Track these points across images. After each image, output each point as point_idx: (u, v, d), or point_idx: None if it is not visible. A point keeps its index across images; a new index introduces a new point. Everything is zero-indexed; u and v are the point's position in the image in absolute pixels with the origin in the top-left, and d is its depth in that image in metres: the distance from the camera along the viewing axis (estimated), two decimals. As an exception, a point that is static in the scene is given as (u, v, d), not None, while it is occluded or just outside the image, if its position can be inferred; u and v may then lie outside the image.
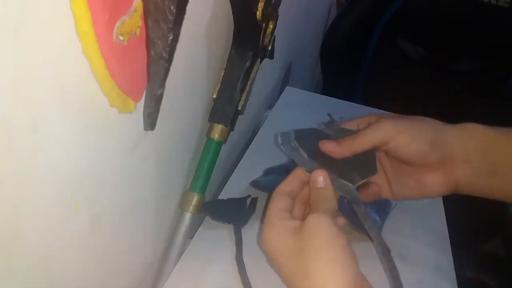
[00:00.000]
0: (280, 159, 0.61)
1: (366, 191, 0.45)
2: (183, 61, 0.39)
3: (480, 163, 0.41)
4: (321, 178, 0.39)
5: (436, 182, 0.42)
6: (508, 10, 1.23)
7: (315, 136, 0.43)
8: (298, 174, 0.41)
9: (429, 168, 0.42)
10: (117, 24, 0.25)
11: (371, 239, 0.43)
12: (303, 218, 0.37)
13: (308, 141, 0.42)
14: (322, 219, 0.35)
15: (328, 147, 0.41)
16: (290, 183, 0.40)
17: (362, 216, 0.40)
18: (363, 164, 0.42)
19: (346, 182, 0.40)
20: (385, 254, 0.41)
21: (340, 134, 0.44)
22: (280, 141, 0.43)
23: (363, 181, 0.40)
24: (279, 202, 0.39)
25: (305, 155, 0.41)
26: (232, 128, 0.50)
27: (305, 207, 0.41)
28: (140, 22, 0.27)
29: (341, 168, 0.41)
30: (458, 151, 0.41)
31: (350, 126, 0.46)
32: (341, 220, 0.40)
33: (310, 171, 0.40)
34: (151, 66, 0.28)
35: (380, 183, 0.45)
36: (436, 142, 0.40)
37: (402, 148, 0.41)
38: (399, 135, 0.40)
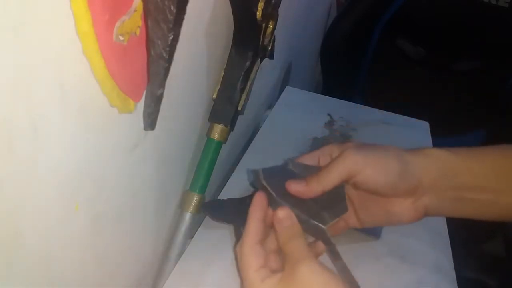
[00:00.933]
0: (280, 160, 0.61)
1: (333, 227, 0.44)
2: (183, 61, 0.39)
3: (447, 189, 0.41)
4: (286, 216, 0.38)
5: (405, 211, 0.42)
6: (508, 10, 1.23)
7: (283, 175, 0.42)
8: (257, 216, 0.39)
9: (397, 198, 0.42)
10: (117, 24, 0.25)
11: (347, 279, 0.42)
12: (279, 266, 0.37)
13: (276, 180, 0.41)
14: (313, 269, 0.34)
15: (296, 188, 0.40)
16: (257, 230, 0.38)
17: (334, 256, 0.39)
18: (333, 202, 0.41)
19: (317, 223, 0.39)
20: None
21: (304, 172, 0.43)
22: (250, 179, 0.42)
23: (334, 221, 0.40)
24: (254, 259, 0.36)
25: (274, 195, 0.40)
26: (232, 128, 0.50)
27: (276, 253, 0.39)
28: (140, 22, 0.27)
29: (310, 208, 0.40)
30: (425, 180, 0.41)
31: (310, 160, 0.44)
32: (320, 247, 0.39)
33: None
34: (151, 66, 0.28)
35: (347, 215, 0.44)
36: (402, 172, 0.40)
37: (370, 181, 0.40)
38: (366, 167, 0.40)
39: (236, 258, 0.39)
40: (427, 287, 0.47)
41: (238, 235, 0.47)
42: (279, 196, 0.40)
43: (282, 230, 0.38)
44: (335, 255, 0.40)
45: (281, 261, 0.38)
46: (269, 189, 0.40)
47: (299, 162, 0.45)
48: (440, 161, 0.41)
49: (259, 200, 0.39)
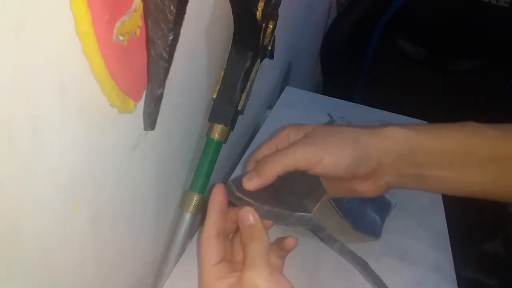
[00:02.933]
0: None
1: None
2: (183, 61, 0.39)
3: (407, 167, 0.41)
4: (249, 215, 0.37)
5: (368, 188, 0.42)
6: (508, 10, 1.23)
7: None
8: (215, 209, 0.38)
9: (358, 179, 0.42)
10: (117, 24, 0.25)
11: (352, 260, 0.42)
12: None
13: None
14: (257, 281, 0.33)
15: (251, 184, 0.39)
16: (214, 223, 0.37)
17: (329, 240, 0.39)
18: (310, 188, 0.41)
19: (302, 213, 0.39)
20: (365, 268, 0.41)
21: (297, 173, 0.41)
22: (227, 195, 0.40)
23: (317, 205, 0.39)
24: (210, 253, 0.35)
25: (253, 202, 0.39)
26: (232, 128, 0.50)
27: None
28: (140, 22, 0.27)
29: (292, 202, 0.39)
30: (384, 161, 0.40)
31: (268, 149, 0.43)
32: (290, 243, 0.38)
33: (261, 216, 0.38)
34: (151, 66, 0.28)
35: None
36: (360, 158, 0.40)
37: (329, 170, 0.40)
38: (323, 158, 0.39)
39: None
40: (427, 287, 0.47)
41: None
42: (257, 201, 0.39)
43: (245, 229, 0.37)
44: (330, 239, 0.40)
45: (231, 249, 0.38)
46: (245, 198, 0.39)
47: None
48: (399, 141, 0.40)
49: (217, 193, 0.38)
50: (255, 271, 0.34)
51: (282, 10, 0.53)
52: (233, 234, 0.41)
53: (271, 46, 0.55)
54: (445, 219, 0.56)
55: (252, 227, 0.37)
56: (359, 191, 0.43)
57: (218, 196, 0.38)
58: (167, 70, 0.28)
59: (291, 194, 0.40)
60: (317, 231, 0.39)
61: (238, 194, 0.40)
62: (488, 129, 0.40)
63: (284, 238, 0.39)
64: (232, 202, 0.39)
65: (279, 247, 0.38)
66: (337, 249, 0.40)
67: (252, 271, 0.34)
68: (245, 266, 0.34)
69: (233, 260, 0.38)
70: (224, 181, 0.57)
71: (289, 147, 0.40)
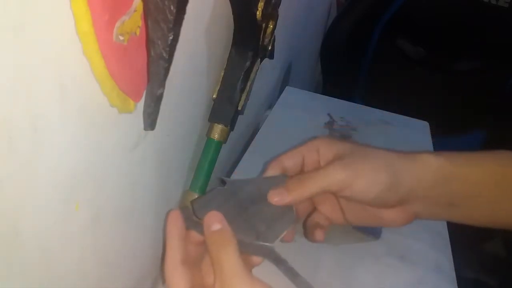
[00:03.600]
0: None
1: (311, 227, 0.42)
2: (183, 61, 0.39)
3: (439, 197, 0.40)
4: (215, 220, 0.34)
5: (395, 217, 0.41)
6: (508, 10, 1.23)
7: (222, 200, 0.39)
8: (175, 234, 0.35)
9: (386, 207, 0.41)
10: (117, 24, 0.25)
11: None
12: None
13: (213, 209, 0.37)
14: (244, 285, 0.30)
15: (278, 200, 0.38)
16: (177, 248, 0.34)
17: (290, 274, 0.36)
18: (280, 214, 0.39)
19: (263, 243, 0.36)
20: None
21: (264, 186, 0.40)
22: (183, 219, 0.37)
23: (281, 236, 0.37)
24: (178, 282, 0.33)
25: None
26: (232, 128, 0.50)
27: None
28: (140, 22, 0.27)
29: (255, 227, 0.37)
30: (417, 189, 0.39)
31: (294, 157, 0.42)
32: (256, 260, 0.36)
33: None
34: (151, 66, 0.28)
35: (331, 213, 0.43)
36: (393, 185, 0.38)
37: (358, 196, 0.39)
38: (355, 182, 0.38)
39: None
40: (427, 287, 0.47)
41: None
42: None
43: (211, 236, 0.34)
44: (291, 272, 0.36)
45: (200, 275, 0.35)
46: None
47: (259, 178, 0.42)
48: (433, 169, 0.39)
49: (173, 217, 0.36)
50: (237, 280, 0.30)
51: (282, 10, 0.53)
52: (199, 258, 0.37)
53: (271, 46, 0.55)
54: (445, 219, 0.56)
55: (221, 232, 0.34)
56: (385, 219, 0.42)
57: (175, 221, 0.36)
58: (167, 70, 0.28)
59: (258, 216, 0.38)
60: (278, 263, 0.36)
61: (195, 218, 0.37)
62: None
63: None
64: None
65: (246, 259, 0.35)
66: (299, 284, 0.36)
67: (235, 279, 0.30)
68: (221, 278, 0.31)
69: (204, 286, 0.35)
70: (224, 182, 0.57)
71: (323, 170, 0.39)
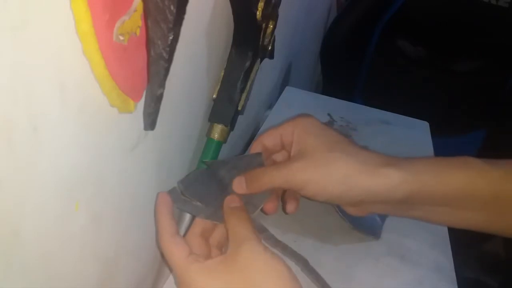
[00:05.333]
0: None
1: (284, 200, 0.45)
2: (183, 61, 0.39)
3: (398, 206, 0.41)
4: (233, 200, 0.39)
5: (352, 210, 0.43)
6: (508, 10, 1.23)
7: (205, 178, 0.43)
8: (165, 211, 0.38)
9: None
10: (117, 24, 0.25)
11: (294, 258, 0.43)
12: (205, 252, 0.37)
13: (198, 187, 0.41)
14: (256, 248, 0.33)
15: (239, 190, 0.41)
16: (169, 222, 0.37)
17: (272, 241, 0.41)
18: (254, 197, 0.42)
19: None
20: (305, 265, 0.42)
21: (241, 165, 0.43)
22: (172, 200, 0.40)
23: (260, 208, 0.41)
24: (179, 247, 0.35)
25: (199, 204, 0.40)
26: (232, 128, 0.50)
27: (204, 241, 0.39)
28: (140, 22, 0.27)
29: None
30: (371, 200, 0.40)
31: (273, 136, 0.44)
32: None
33: (208, 217, 0.39)
34: (151, 66, 0.28)
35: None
36: (344, 192, 0.39)
37: (312, 197, 0.41)
38: (308, 187, 0.40)
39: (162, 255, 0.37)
40: (427, 287, 0.47)
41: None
42: (203, 202, 0.40)
43: (230, 211, 0.38)
44: (272, 240, 0.41)
45: (207, 247, 0.38)
46: (193, 200, 0.40)
47: (239, 157, 0.45)
48: (394, 185, 0.39)
49: (163, 198, 0.39)
50: (251, 242, 0.34)
51: (282, 10, 0.53)
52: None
53: (271, 46, 0.55)
54: (445, 219, 0.56)
55: (239, 208, 0.38)
56: (343, 207, 0.44)
57: (164, 201, 0.39)
58: (167, 70, 0.28)
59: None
60: (260, 231, 0.40)
61: (183, 197, 0.40)
62: (489, 169, 0.39)
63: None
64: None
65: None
66: (280, 249, 0.41)
67: (248, 243, 0.33)
68: (235, 244, 0.34)
69: (211, 256, 0.38)
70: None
71: (282, 166, 0.41)
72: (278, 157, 0.47)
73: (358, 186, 0.39)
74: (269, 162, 0.46)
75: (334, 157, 0.40)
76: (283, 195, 0.46)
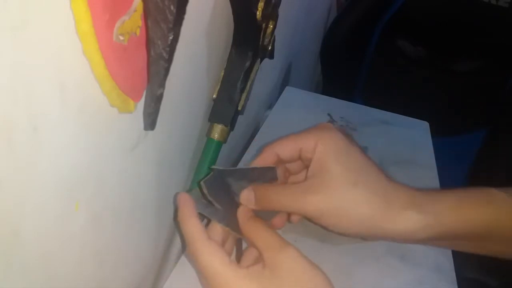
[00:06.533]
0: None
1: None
2: (183, 61, 0.39)
3: (416, 243, 0.42)
4: (249, 212, 0.38)
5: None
6: (508, 10, 1.23)
7: (221, 184, 0.40)
8: (194, 213, 0.36)
9: None
10: (117, 24, 0.25)
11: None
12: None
13: (219, 191, 0.39)
14: (297, 255, 0.33)
15: (248, 204, 0.39)
16: (202, 226, 0.36)
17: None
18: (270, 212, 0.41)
19: None
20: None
21: (254, 177, 0.40)
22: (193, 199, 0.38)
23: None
24: (218, 253, 0.34)
25: (220, 208, 0.38)
26: (232, 128, 0.50)
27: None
28: (140, 22, 0.27)
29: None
30: (394, 240, 0.40)
31: (291, 145, 0.41)
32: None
33: (228, 225, 0.37)
34: (151, 66, 0.28)
35: None
36: (366, 236, 0.39)
37: (327, 227, 0.39)
38: (324, 219, 0.38)
39: (194, 262, 0.35)
40: (427, 287, 0.47)
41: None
42: (224, 208, 0.38)
43: (249, 222, 0.37)
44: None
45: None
46: (215, 203, 0.38)
47: (255, 168, 0.42)
48: (417, 229, 0.37)
49: (185, 199, 0.37)
50: (291, 249, 0.33)
51: (282, 10, 0.53)
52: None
53: (271, 46, 0.55)
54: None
55: (256, 220, 0.38)
56: None
57: (188, 202, 0.37)
58: (167, 70, 0.28)
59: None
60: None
61: (203, 200, 0.38)
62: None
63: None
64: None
65: None
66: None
67: (289, 250, 0.33)
68: (272, 252, 0.33)
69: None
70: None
71: (298, 192, 0.38)
72: (293, 166, 0.43)
73: (378, 229, 0.38)
74: (281, 171, 0.42)
75: (357, 194, 0.37)
76: None
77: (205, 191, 0.38)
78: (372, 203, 0.37)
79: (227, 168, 0.41)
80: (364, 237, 0.40)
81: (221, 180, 0.40)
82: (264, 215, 0.40)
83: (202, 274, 0.35)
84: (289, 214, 0.43)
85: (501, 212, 0.38)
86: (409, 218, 0.37)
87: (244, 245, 0.44)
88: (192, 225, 0.35)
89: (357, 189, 0.37)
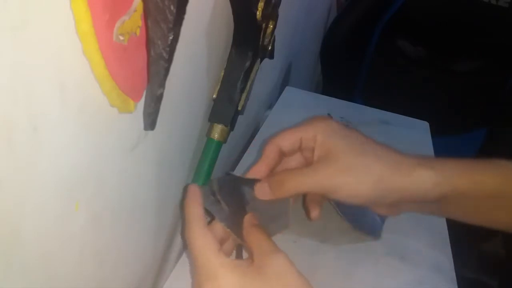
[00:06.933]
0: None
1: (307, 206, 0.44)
2: (183, 61, 0.39)
3: (432, 206, 0.41)
4: (253, 218, 0.39)
5: (382, 210, 0.43)
6: (508, 10, 1.23)
7: (237, 185, 0.41)
8: (198, 202, 0.38)
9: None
10: (117, 24, 0.25)
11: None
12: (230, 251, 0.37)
13: (229, 192, 0.39)
14: (287, 261, 0.34)
15: (262, 195, 0.40)
16: (202, 214, 0.37)
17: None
18: (278, 215, 0.41)
19: None
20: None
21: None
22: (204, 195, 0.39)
23: (274, 235, 0.40)
24: (211, 241, 0.35)
25: (227, 209, 0.38)
26: (232, 128, 0.50)
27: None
28: (140, 22, 0.27)
29: (258, 220, 0.40)
30: (406, 200, 0.40)
31: (291, 138, 0.42)
32: None
33: (230, 227, 0.38)
34: (151, 66, 0.28)
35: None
36: (379, 196, 0.39)
37: (343, 200, 0.40)
38: (339, 191, 0.38)
39: (188, 245, 0.36)
40: (427, 287, 0.47)
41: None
42: (230, 210, 0.39)
43: (251, 228, 0.38)
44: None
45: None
46: (223, 203, 0.39)
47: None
48: (428, 187, 0.38)
49: (194, 190, 0.39)
50: (281, 255, 0.34)
51: (282, 10, 0.53)
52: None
53: (271, 46, 0.55)
54: (445, 219, 0.56)
55: (258, 227, 0.38)
56: (374, 208, 0.44)
57: (196, 195, 0.38)
58: (167, 70, 0.28)
59: (259, 212, 0.40)
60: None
61: (212, 197, 0.39)
62: None
63: None
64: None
65: None
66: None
67: (279, 255, 0.34)
68: (263, 254, 0.34)
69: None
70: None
71: (310, 170, 0.39)
72: (292, 161, 0.44)
73: (393, 188, 0.38)
74: (280, 168, 0.44)
75: (367, 159, 0.39)
76: (304, 201, 0.45)
77: (215, 188, 0.39)
78: (383, 166, 0.38)
79: (243, 177, 0.42)
80: (382, 202, 0.40)
81: (234, 185, 0.41)
82: (271, 228, 0.40)
83: (192, 256, 0.36)
84: (307, 210, 0.43)
85: (510, 176, 0.39)
86: (421, 174, 0.38)
87: (244, 255, 0.44)
88: (195, 209, 0.37)
89: (366, 155, 0.39)
